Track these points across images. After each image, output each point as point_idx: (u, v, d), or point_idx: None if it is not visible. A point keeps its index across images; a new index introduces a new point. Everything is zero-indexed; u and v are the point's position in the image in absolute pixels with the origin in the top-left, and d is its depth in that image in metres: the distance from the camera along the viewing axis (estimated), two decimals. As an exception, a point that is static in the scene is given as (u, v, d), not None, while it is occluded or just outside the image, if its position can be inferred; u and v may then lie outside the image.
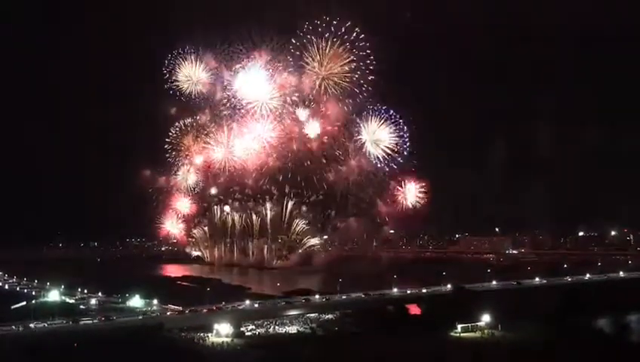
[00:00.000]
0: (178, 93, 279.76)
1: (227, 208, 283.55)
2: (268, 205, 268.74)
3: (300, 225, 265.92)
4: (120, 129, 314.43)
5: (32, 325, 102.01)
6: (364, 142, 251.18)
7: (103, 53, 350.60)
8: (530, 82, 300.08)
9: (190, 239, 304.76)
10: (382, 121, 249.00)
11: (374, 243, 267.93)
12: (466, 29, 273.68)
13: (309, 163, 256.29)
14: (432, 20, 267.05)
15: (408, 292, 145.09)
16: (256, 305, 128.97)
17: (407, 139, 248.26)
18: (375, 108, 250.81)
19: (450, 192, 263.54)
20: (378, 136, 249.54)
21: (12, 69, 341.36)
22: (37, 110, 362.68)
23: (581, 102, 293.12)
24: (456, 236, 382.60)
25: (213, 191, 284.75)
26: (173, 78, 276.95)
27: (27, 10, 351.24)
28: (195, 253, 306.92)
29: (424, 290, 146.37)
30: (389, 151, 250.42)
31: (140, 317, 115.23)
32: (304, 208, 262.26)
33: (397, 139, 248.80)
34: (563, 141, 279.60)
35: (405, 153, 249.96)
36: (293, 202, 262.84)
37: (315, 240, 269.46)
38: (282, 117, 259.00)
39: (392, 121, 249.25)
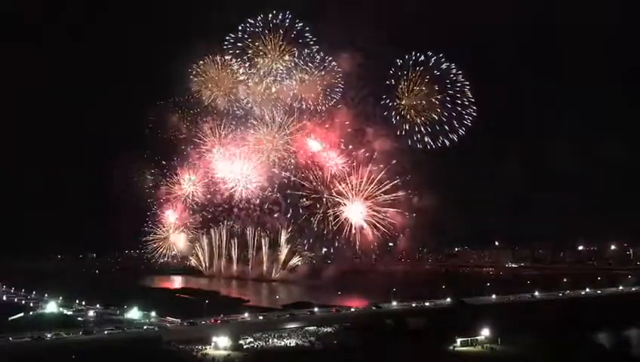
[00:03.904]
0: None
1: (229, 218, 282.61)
2: (274, 216, 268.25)
3: (306, 237, 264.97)
4: (121, 136, 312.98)
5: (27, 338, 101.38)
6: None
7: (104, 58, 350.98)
8: (535, 95, 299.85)
9: (191, 251, 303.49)
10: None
11: (373, 256, 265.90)
12: (481, 33, 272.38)
13: (316, 173, 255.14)
14: (443, 22, 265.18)
15: (410, 305, 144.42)
16: (260, 317, 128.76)
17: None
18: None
19: (451, 205, 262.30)
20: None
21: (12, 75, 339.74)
22: (37, 118, 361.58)
23: (588, 116, 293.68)
24: (456, 249, 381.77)
25: (217, 200, 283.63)
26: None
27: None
28: (196, 265, 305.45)
29: (425, 304, 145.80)
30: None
31: (156, 329, 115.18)
32: (312, 219, 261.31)
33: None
34: (565, 155, 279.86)
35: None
36: (301, 213, 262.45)
37: (319, 253, 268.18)
38: (287, 127, 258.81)
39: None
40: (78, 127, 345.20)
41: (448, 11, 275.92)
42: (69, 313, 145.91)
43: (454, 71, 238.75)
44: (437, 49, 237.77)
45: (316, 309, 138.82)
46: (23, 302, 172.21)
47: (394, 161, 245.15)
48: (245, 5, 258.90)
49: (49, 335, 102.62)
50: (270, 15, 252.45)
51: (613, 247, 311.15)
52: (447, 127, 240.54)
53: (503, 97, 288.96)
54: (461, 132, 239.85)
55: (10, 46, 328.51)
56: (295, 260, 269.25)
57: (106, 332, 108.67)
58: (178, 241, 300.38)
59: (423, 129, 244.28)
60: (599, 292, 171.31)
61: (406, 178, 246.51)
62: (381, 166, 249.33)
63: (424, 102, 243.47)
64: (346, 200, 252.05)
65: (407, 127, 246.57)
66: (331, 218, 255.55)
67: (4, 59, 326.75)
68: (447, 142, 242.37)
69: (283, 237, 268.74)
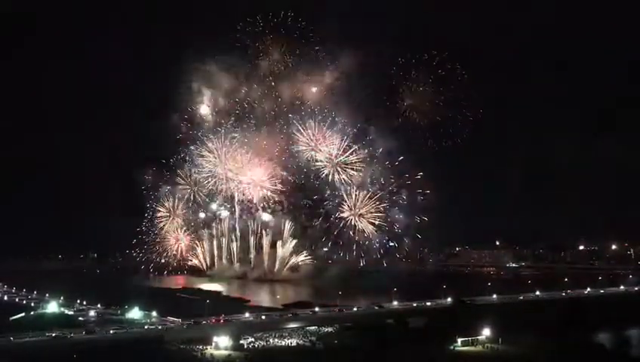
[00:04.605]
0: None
1: (228, 215, 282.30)
2: (277, 215, 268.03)
3: (308, 236, 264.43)
4: (121, 136, 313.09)
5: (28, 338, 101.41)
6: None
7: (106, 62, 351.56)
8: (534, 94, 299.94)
9: (192, 251, 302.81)
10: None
11: (375, 256, 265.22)
12: (482, 31, 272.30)
13: (320, 172, 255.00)
14: (444, 23, 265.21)
15: (411, 304, 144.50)
16: (263, 317, 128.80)
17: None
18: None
19: (452, 204, 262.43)
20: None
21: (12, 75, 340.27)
22: (38, 118, 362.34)
23: (589, 116, 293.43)
24: (457, 249, 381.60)
25: (219, 200, 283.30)
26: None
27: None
28: (197, 265, 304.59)
29: (427, 303, 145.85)
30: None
31: (160, 328, 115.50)
32: (314, 219, 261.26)
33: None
34: (566, 155, 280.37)
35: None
36: (303, 213, 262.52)
37: (321, 252, 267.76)
38: (289, 127, 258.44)
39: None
40: (79, 127, 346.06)
41: (449, 11, 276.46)
42: (70, 313, 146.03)
43: (458, 71, 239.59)
44: (439, 48, 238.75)
45: (317, 309, 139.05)
46: (24, 302, 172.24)
47: (401, 158, 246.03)
48: (247, 4, 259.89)
49: (54, 335, 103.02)
50: (271, 14, 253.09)
51: (614, 247, 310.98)
52: (451, 130, 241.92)
53: (504, 97, 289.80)
54: (464, 134, 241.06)
55: (11, 46, 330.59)
56: (297, 260, 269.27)
57: (111, 331, 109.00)
58: (179, 241, 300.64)
59: (426, 129, 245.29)
60: (602, 291, 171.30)
61: (408, 177, 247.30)
62: (386, 164, 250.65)
63: (427, 103, 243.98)
64: (348, 200, 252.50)
65: (409, 127, 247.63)
66: (334, 217, 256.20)
67: (8, 62, 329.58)
68: (450, 143, 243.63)
69: (285, 237, 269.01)
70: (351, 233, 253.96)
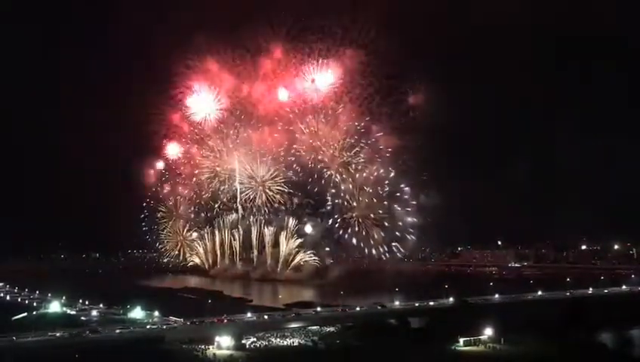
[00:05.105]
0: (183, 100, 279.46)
1: (233, 217, 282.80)
2: (280, 215, 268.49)
3: (311, 236, 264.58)
4: (122, 135, 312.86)
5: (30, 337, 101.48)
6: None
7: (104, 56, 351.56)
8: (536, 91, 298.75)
9: (193, 250, 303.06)
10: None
11: (377, 256, 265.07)
12: (486, 34, 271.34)
13: (322, 172, 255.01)
14: (449, 25, 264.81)
15: (413, 304, 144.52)
16: (266, 317, 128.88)
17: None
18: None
19: (453, 204, 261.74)
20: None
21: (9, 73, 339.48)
22: (38, 118, 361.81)
23: (590, 116, 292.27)
24: (459, 249, 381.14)
25: (221, 199, 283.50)
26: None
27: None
28: (198, 264, 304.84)
29: (429, 303, 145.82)
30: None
31: (164, 327, 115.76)
32: (318, 219, 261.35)
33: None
34: (568, 155, 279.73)
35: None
36: (306, 212, 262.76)
37: (324, 252, 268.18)
38: (292, 125, 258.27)
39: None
40: (80, 127, 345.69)
41: (451, 10, 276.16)
42: (73, 313, 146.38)
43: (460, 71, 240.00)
44: (439, 47, 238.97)
45: (319, 308, 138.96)
46: (27, 301, 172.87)
47: (404, 157, 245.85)
48: (249, 2, 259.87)
49: (57, 335, 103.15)
50: (273, 12, 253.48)
51: (616, 247, 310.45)
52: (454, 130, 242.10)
53: (505, 98, 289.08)
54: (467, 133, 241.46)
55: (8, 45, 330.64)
56: (299, 259, 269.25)
57: (117, 331, 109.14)
58: (182, 241, 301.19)
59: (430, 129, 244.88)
60: (605, 291, 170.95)
61: (411, 177, 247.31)
62: (390, 164, 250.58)
63: (431, 102, 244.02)
64: (351, 200, 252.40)
65: (414, 127, 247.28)
66: (336, 217, 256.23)
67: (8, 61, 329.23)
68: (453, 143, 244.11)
69: (288, 237, 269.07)
70: (354, 233, 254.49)
